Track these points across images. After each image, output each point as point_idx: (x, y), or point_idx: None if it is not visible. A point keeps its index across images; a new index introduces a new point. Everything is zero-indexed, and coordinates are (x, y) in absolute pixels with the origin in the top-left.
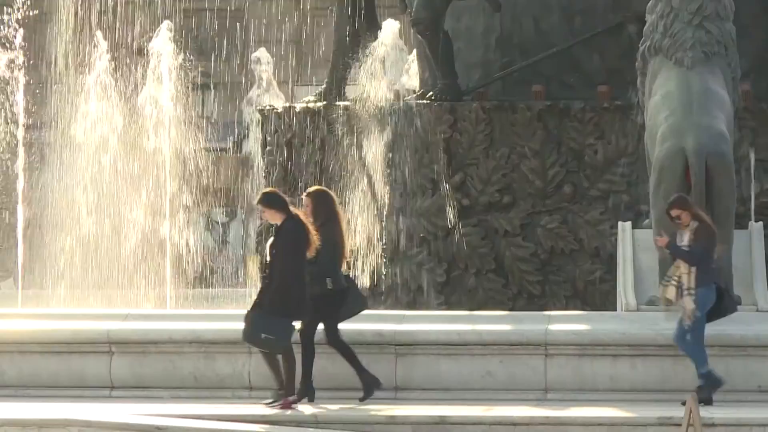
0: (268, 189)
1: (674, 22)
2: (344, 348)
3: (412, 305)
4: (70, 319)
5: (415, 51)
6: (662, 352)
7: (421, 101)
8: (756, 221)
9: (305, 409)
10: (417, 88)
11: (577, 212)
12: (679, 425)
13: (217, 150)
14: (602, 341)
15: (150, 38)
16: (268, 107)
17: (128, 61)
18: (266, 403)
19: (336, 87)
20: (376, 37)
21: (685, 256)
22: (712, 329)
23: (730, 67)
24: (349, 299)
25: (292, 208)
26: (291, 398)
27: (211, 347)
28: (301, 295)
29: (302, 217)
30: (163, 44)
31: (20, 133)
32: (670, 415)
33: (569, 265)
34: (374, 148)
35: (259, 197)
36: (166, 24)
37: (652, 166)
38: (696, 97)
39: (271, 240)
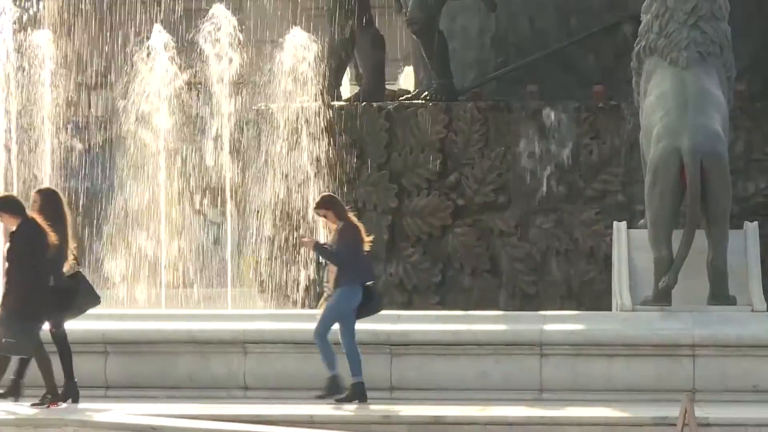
0: (4, 194)
1: (669, 22)
2: (64, 348)
3: (407, 305)
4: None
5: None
6: (657, 352)
7: (416, 101)
8: (751, 221)
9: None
10: (412, 88)
11: (572, 212)
12: (675, 425)
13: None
14: (597, 341)
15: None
16: (263, 107)
17: (123, 60)
18: (31, 404)
19: (331, 87)
20: (375, 38)
21: (330, 257)
22: (708, 330)
23: (725, 67)
24: (78, 297)
25: (29, 211)
26: (52, 397)
27: (206, 347)
28: (41, 298)
29: (39, 220)
30: (157, 45)
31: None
32: (666, 415)
33: (564, 265)
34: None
35: None
36: (157, 27)
37: (647, 166)
38: (691, 97)
39: (7, 245)
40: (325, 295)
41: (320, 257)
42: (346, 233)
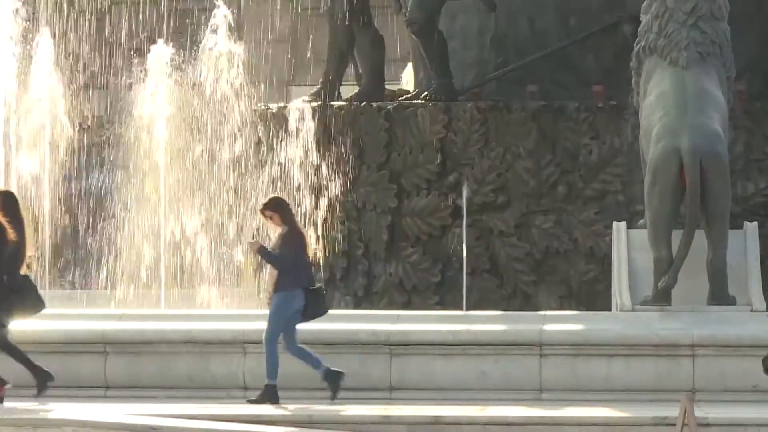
0: None
1: (669, 22)
2: (11, 349)
3: (407, 305)
4: (65, 319)
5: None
6: (657, 352)
7: (416, 101)
8: (751, 221)
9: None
10: (412, 88)
11: (571, 212)
12: (674, 425)
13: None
14: (597, 341)
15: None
16: (263, 107)
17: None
18: None
19: (331, 87)
20: (374, 38)
21: (273, 261)
22: (708, 330)
23: (724, 67)
24: (26, 300)
25: None
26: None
27: (206, 347)
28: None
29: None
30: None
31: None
32: (665, 415)
33: (564, 265)
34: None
35: None
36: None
37: (647, 166)
38: (691, 97)
39: None
40: (266, 299)
41: (263, 260)
42: (291, 239)
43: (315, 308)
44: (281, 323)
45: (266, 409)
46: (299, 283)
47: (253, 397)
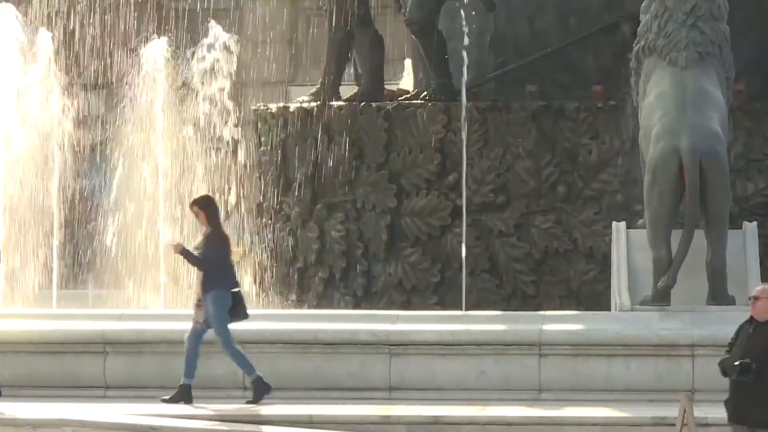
0: None
1: (668, 22)
2: None
3: (406, 305)
4: (65, 319)
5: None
6: (657, 353)
7: (415, 101)
8: (750, 221)
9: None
10: (411, 89)
11: (571, 212)
12: (674, 425)
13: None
14: (597, 341)
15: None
16: (262, 107)
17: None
18: None
19: (330, 87)
20: (374, 38)
21: (195, 262)
22: (707, 330)
23: (724, 68)
24: None
25: None
26: None
27: (206, 347)
28: None
29: None
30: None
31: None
32: (665, 415)
33: (563, 265)
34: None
35: None
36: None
37: (647, 166)
38: (690, 97)
39: None
40: (195, 300)
41: (186, 261)
42: (213, 240)
43: (238, 311)
44: (226, 320)
45: (266, 409)
46: (226, 284)
47: (250, 396)
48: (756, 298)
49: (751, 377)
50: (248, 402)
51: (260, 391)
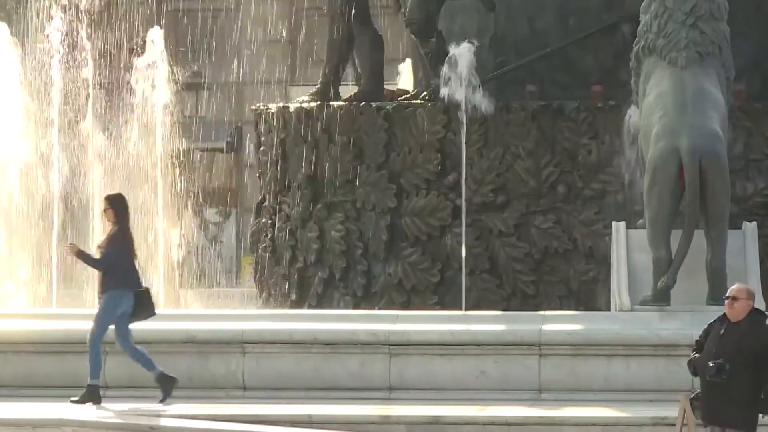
0: None
1: (668, 22)
2: None
3: (406, 305)
4: (65, 319)
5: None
6: (656, 352)
7: (415, 101)
8: (750, 221)
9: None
10: (411, 88)
11: (571, 212)
12: (674, 425)
13: (210, 150)
14: (596, 341)
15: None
16: (262, 107)
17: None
18: None
19: (330, 87)
20: (373, 38)
21: (93, 263)
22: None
23: (724, 68)
24: None
25: None
26: None
27: (205, 347)
28: None
29: None
30: (154, 47)
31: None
32: (665, 415)
33: (563, 265)
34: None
35: None
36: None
37: (646, 166)
38: (690, 97)
39: None
40: (98, 299)
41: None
42: (116, 240)
43: (143, 310)
44: (107, 323)
45: (266, 409)
46: (126, 284)
47: (250, 396)
48: (734, 298)
49: (725, 378)
50: (160, 401)
51: (167, 386)
